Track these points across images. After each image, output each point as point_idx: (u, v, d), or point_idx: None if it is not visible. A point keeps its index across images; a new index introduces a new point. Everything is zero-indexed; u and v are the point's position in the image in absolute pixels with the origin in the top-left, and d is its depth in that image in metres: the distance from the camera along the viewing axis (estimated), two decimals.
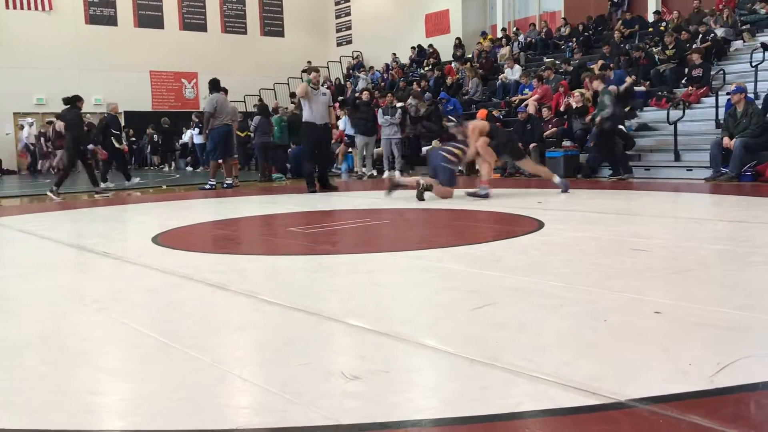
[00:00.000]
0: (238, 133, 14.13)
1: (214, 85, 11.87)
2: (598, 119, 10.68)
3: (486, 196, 7.80)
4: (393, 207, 7.95)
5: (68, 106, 11.07)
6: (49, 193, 10.60)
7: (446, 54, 21.17)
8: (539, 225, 5.60)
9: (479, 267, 3.96)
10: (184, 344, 2.55)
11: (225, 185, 11.84)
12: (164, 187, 12.84)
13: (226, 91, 12.64)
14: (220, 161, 12.09)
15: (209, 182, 11.83)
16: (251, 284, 3.64)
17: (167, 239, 5.60)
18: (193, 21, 24.96)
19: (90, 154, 12.00)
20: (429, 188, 8.11)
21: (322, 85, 12.06)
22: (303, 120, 10.39)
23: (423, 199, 7.93)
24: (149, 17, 24.10)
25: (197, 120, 17.85)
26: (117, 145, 13.07)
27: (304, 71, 25.03)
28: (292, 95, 21.56)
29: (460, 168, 8.94)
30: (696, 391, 1.92)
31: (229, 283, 3.65)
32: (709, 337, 2.43)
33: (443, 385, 2.11)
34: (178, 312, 3.16)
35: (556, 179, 8.48)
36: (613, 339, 2.45)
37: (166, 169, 21.72)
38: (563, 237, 5.08)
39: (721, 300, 2.95)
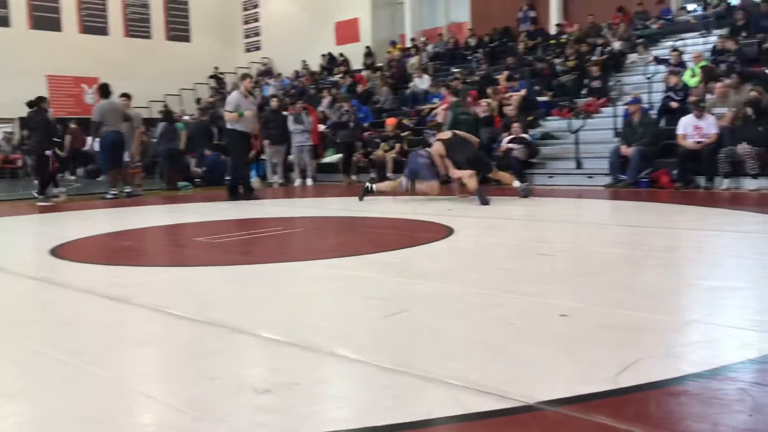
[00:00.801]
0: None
1: (103, 91, 11.52)
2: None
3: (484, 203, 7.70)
4: (306, 215, 7.90)
5: (34, 108, 10.90)
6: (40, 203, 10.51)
7: (357, 62, 21.27)
8: (449, 231, 5.69)
9: (392, 274, 3.97)
10: (84, 361, 2.43)
11: (125, 194, 11.43)
12: (64, 197, 12.25)
13: (129, 96, 12.20)
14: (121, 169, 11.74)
15: (110, 192, 11.42)
16: (156, 297, 3.51)
17: (67, 251, 5.33)
18: (93, 24, 24.00)
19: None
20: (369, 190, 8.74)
21: (230, 93, 11.83)
22: (231, 128, 10.21)
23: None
24: (45, 19, 22.99)
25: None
26: (60, 152, 12.53)
27: (211, 77, 24.60)
28: (198, 101, 21.13)
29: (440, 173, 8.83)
30: (600, 391, 1.98)
31: (133, 296, 3.51)
32: (612, 338, 2.52)
33: (356, 395, 2.10)
34: (77, 328, 3.00)
35: (516, 184, 8.66)
36: (522, 342, 2.51)
37: (72, 177, 20.75)
38: (472, 243, 5.17)
39: (622, 302, 3.07)
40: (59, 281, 4.07)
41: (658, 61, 13.07)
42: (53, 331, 2.95)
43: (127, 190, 11.57)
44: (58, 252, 5.28)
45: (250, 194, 10.30)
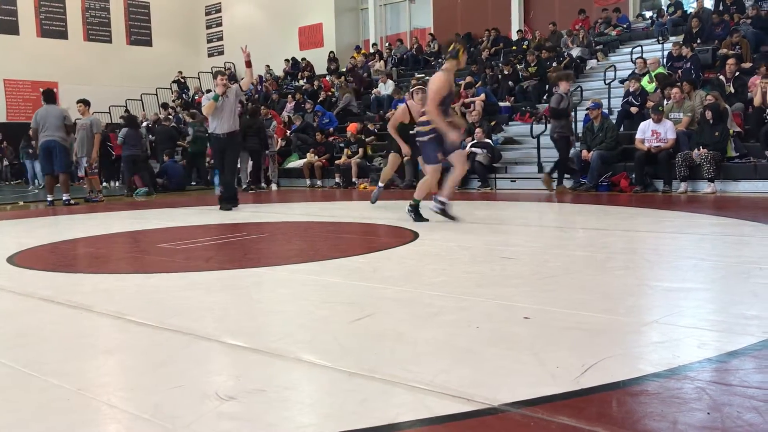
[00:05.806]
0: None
1: (43, 97, 11.35)
2: None
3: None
4: (270, 220, 7.86)
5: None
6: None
7: (320, 67, 21.23)
8: (414, 235, 5.71)
9: (357, 279, 3.97)
10: (45, 371, 2.38)
11: (48, 202, 11.20)
12: (21, 203, 12.01)
13: (85, 102, 12.00)
14: (87, 174, 11.58)
15: (63, 197, 11.23)
16: (118, 304, 3.45)
17: (25, 259, 5.22)
18: (52, 28, 23.55)
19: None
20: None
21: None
22: (209, 132, 9.59)
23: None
24: (2, 22, 22.52)
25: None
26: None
27: (174, 82, 24.31)
28: (164, 106, 20.86)
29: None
30: (563, 392, 2.01)
31: (95, 304, 3.45)
32: (574, 339, 2.56)
33: (322, 400, 2.09)
34: (37, 337, 2.94)
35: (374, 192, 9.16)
36: (486, 345, 2.53)
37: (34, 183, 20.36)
38: (437, 247, 5.20)
39: (584, 304, 3.12)
40: (17, 289, 3.98)
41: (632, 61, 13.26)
42: (12, 341, 2.89)
43: (49, 198, 11.26)
44: (15, 259, 5.17)
45: (234, 202, 9.34)
